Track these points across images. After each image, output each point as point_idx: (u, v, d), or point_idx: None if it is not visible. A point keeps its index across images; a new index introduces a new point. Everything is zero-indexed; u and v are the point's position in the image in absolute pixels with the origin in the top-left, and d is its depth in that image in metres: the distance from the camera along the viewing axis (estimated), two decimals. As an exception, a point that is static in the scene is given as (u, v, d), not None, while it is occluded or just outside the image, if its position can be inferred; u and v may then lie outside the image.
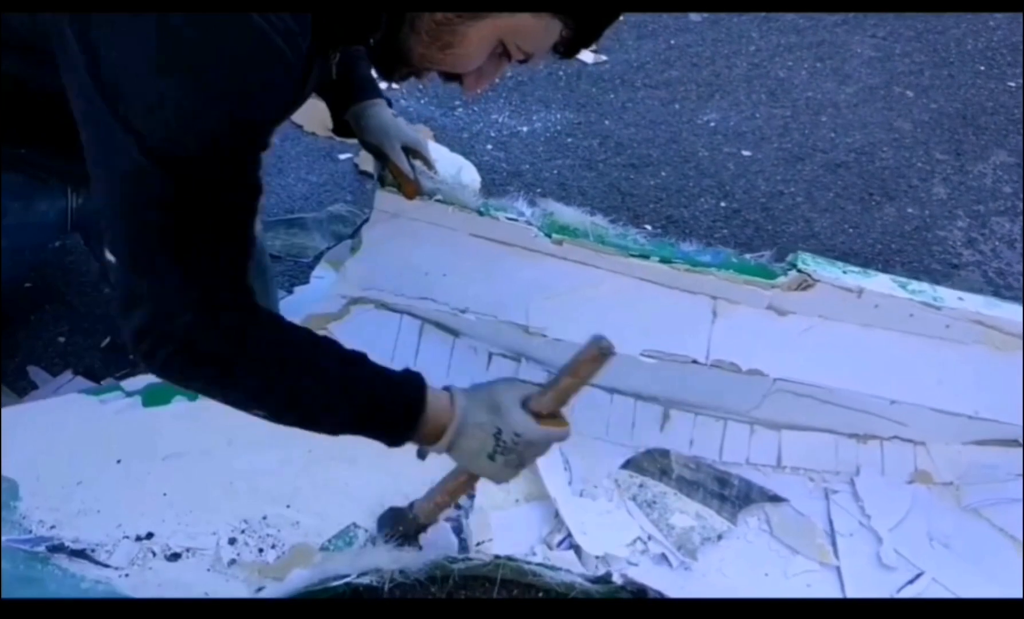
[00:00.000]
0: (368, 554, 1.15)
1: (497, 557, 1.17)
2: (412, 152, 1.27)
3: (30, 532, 1.07)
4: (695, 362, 1.30)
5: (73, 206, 1.22)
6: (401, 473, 1.22)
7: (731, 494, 1.27)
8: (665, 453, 1.30)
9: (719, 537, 1.21)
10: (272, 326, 0.93)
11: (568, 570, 1.19)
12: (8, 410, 1.26)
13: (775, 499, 1.27)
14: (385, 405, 0.99)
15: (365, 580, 1.11)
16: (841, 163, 2.18)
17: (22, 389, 1.36)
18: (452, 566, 1.16)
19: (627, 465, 1.28)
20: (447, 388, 1.01)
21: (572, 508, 1.21)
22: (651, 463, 1.29)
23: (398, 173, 1.23)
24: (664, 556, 1.19)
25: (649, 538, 1.21)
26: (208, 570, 1.11)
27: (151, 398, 1.20)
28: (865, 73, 2.53)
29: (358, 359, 0.98)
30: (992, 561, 1.22)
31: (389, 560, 1.14)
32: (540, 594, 1.20)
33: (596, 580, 1.17)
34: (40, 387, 1.36)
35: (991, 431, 1.31)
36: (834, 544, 1.25)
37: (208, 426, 1.20)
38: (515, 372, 1.34)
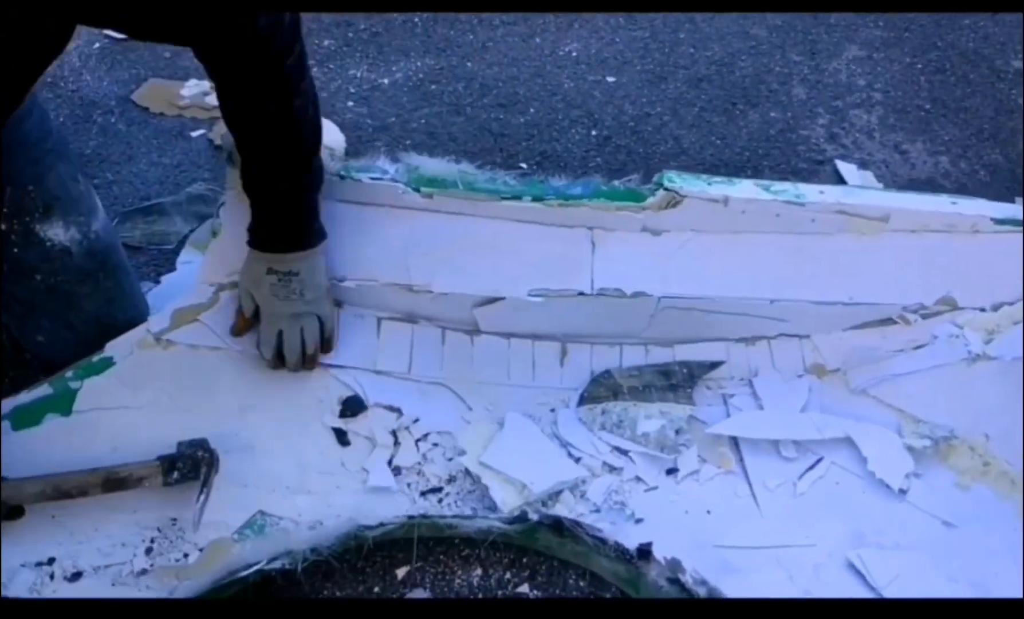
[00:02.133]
0: (276, 539, 1.13)
1: (411, 517, 1.17)
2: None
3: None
4: (582, 294, 1.30)
5: None
6: (301, 459, 1.20)
7: (678, 380, 1.33)
8: (608, 373, 1.32)
9: (687, 421, 1.29)
10: None
11: (484, 516, 1.20)
12: None
13: (714, 365, 1.34)
14: None
15: (277, 565, 1.10)
16: (703, 77, 2.22)
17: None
18: (366, 534, 1.16)
19: (582, 402, 1.31)
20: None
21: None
22: (600, 389, 1.31)
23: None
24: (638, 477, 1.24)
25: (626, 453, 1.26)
26: (113, 584, 1.07)
27: (19, 421, 1.14)
28: (717, -16, 2.56)
29: None
30: (880, 437, 1.29)
31: (299, 541, 1.13)
32: (457, 542, 1.21)
33: (512, 521, 1.19)
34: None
35: (867, 314, 1.37)
36: (737, 448, 1.30)
37: (88, 439, 1.14)
38: (411, 334, 1.32)
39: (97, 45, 2.10)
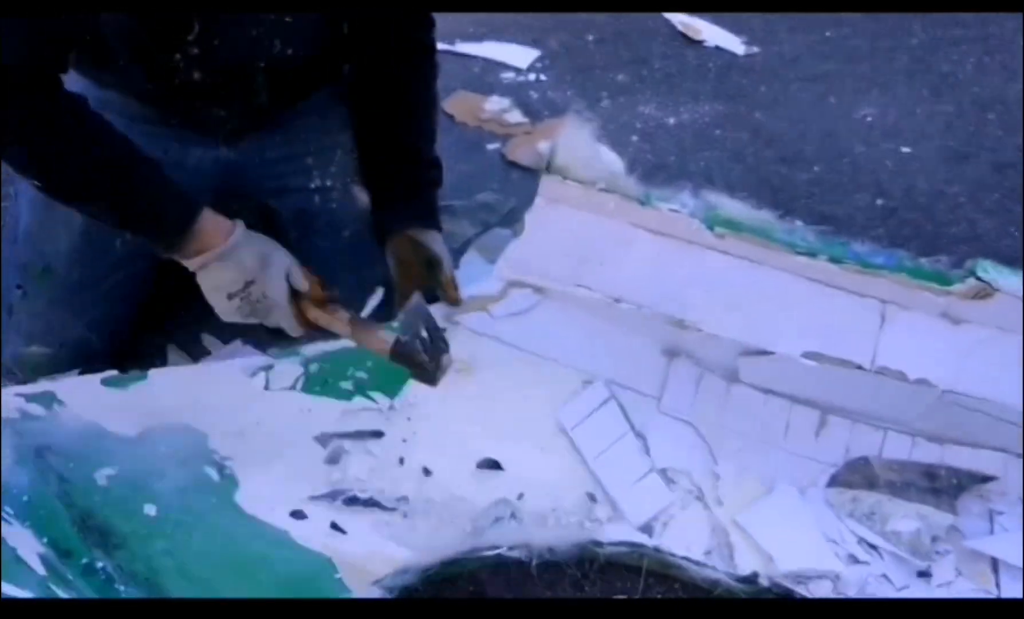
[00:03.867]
0: (518, 529, 1.17)
1: (642, 546, 1.18)
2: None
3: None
4: (859, 368, 1.25)
5: (224, 157, 1.31)
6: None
7: (943, 485, 1.24)
8: (865, 460, 1.26)
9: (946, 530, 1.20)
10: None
11: (714, 567, 1.18)
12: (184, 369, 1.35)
13: (987, 479, 1.24)
14: (164, 199, 1.08)
15: (515, 554, 1.14)
16: (1009, 163, 2.05)
17: (196, 355, 1.44)
18: (599, 551, 1.17)
19: (833, 483, 1.25)
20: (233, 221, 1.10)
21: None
22: (855, 475, 1.25)
23: (449, 284, 1.27)
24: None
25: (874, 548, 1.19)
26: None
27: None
28: (1037, 69, 2.37)
29: (151, 160, 1.09)
30: None
31: (539, 537, 1.16)
32: (676, 586, 1.20)
33: (742, 580, 1.16)
34: (212, 353, 1.44)
35: None
36: (996, 571, 1.19)
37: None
38: (667, 367, 1.33)
39: (419, 51, 2.28)
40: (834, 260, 1.24)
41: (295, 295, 1.12)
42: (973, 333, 1.24)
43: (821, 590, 1.15)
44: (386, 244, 1.29)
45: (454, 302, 1.26)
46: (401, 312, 1.14)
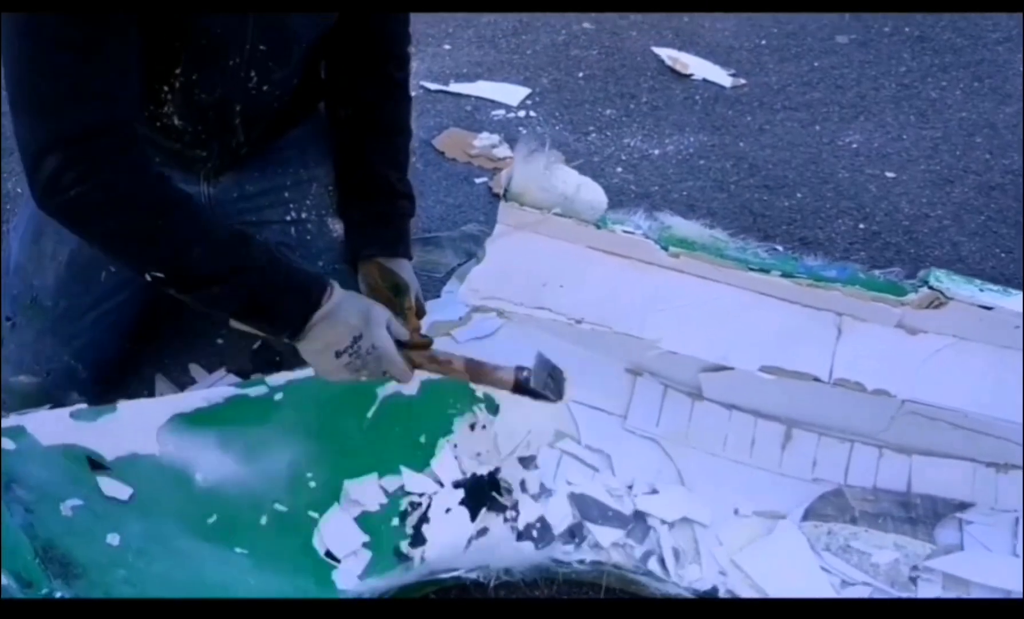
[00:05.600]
0: (477, 551, 1.19)
1: (602, 563, 1.19)
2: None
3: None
4: (817, 380, 1.26)
5: (204, 193, 1.36)
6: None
7: (919, 514, 1.24)
8: (839, 493, 1.27)
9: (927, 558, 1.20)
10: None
11: (675, 582, 1.18)
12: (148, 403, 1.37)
13: (963, 506, 1.24)
14: (288, 292, 1.10)
15: (473, 575, 1.16)
16: (996, 185, 2.06)
17: (183, 384, 1.50)
18: (559, 570, 1.19)
19: (807, 516, 1.25)
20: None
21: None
22: (828, 507, 1.26)
23: (411, 311, 1.27)
24: None
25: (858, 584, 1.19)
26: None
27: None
28: (1029, 92, 2.37)
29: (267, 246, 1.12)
30: None
31: (496, 558, 1.18)
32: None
33: (702, 594, 1.17)
34: (197, 382, 1.49)
35: None
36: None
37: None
38: (632, 385, 1.35)
39: (413, 94, 2.35)
40: (787, 275, 1.26)
41: (398, 344, 1.14)
42: (929, 342, 1.24)
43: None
44: (358, 270, 1.34)
45: (415, 329, 1.29)
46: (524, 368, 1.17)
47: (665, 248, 1.29)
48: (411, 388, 1.27)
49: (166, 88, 1.18)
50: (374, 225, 1.34)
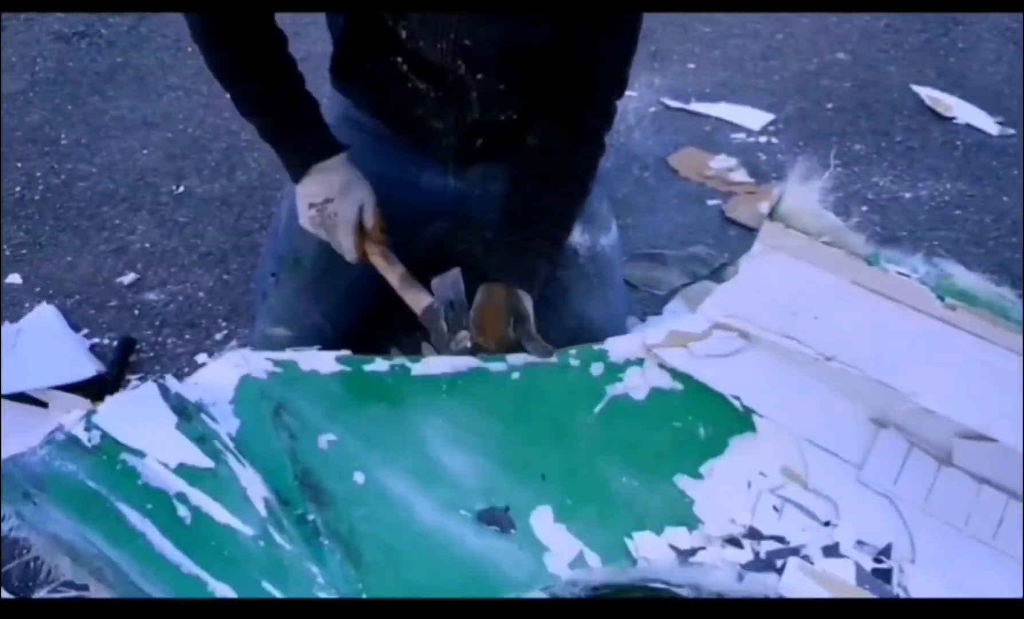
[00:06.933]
0: (690, 568, 1.16)
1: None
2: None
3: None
4: (1093, 470, 1.14)
5: (452, 186, 1.44)
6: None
7: None
8: None
9: None
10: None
11: None
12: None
13: None
14: (302, 141, 1.31)
15: (684, 592, 1.13)
16: None
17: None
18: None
19: None
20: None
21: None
22: None
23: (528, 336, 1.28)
24: None
25: None
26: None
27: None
28: None
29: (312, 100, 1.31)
30: None
31: (710, 580, 1.14)
32: None
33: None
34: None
35: None
36: None
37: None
38: (874, 435, 1.27)
39: (652, 109, 2.34)
40: (1078, 350, 1.15)
41: (361, 230, 1.30)
42: None
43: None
44: (480, 284, 1.31)
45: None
46: (437, 278, 1.26)
47: (942, 298, 1.21)
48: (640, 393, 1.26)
49: (396, 43, 1.26)
50: (518, 256, 1.33)
